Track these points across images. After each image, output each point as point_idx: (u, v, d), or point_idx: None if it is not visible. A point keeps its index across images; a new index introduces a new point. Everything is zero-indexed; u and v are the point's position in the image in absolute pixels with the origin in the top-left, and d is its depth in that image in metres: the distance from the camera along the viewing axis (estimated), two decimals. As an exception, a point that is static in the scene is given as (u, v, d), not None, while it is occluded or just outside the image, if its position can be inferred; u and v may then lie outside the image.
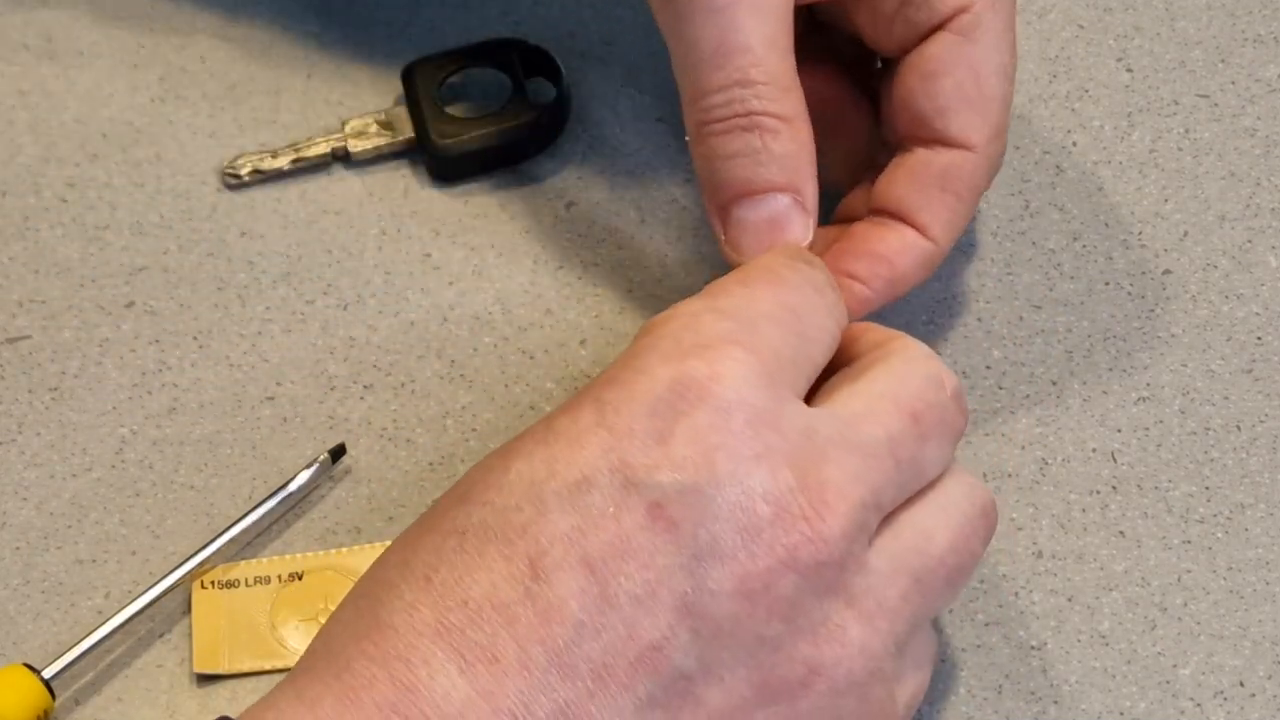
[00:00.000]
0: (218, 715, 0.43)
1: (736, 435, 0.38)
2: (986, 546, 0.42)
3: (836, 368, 0.43)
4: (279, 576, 0.47)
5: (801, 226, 0.45)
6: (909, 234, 0.47)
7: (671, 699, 0.37)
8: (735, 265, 0.44)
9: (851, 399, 0.40)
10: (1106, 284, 0.53)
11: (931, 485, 0.41)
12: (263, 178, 0.55)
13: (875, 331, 0.44)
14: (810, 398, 0.41)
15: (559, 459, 0.38)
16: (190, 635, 0.47)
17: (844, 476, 0.38)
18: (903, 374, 0.41)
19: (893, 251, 0.47)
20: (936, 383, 0.41)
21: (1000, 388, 0.51)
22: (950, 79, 0.46)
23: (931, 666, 0.42)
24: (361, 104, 0.56)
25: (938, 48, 0.46)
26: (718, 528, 0.37)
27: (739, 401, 0.38)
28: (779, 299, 0.41)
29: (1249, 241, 0.53)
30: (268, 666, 0.46)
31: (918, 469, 0.40)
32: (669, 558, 0.37)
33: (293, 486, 0.48)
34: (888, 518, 0.40)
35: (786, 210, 0.45)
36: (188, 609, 0.47)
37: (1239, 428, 0.50)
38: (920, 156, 0.46)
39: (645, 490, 0.37)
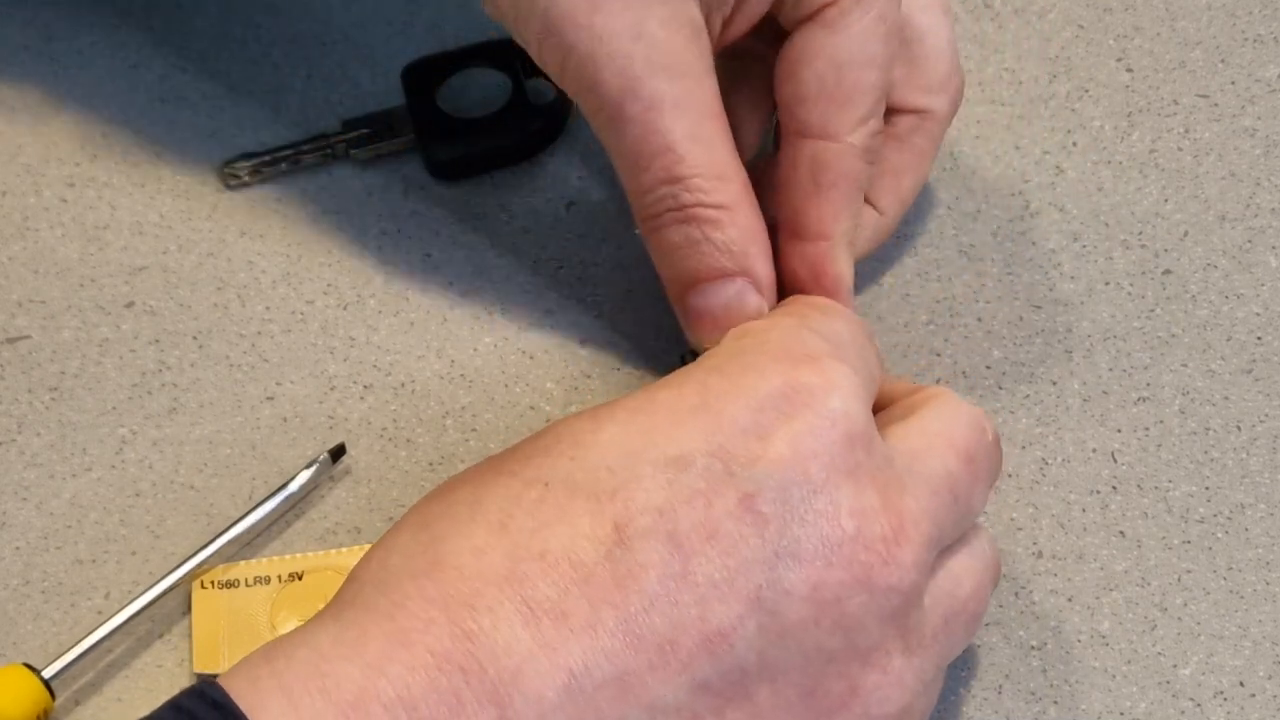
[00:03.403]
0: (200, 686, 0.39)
1: (833, 447, 0.38)
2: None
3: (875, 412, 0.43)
4: (279, 576, 0.47)
5: (755, 308, 0.45)
6: (807, 247, 0.46)
7: (725, 688, 0.37)
8: (702, 350, 0.45)
9: (908, 436, 0.41)
10: (1106, 284, 0.53)
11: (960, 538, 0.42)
12: (263, 178, 0.55)
13: (906, 383, 0.45)
14: None
15: (658, 431, 0.39)
16: (190, 635, 0.47)
17: (919, 509, 0.39)
18: (951, 417, 0.42)
19: (808, 275, 0.46)
20: (981, 427, 0.42)
21: (1000, 388, 0.51)
22: (810, 69, 0.45)
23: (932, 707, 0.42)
24: (361, 104, 0.56)
25: (801, 39, 0.45)
26: (802, 531, 0.38)
27: (844, 415, 0.39)
28: (853, 334, 0.43)
29: (1249, 241, 0.53)
30: (268, 666, 0.46)
31: (970, 509, 0.41)
32: (752, 549, 0.37)
33: (293, 486, 0.48)
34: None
35: (739, 294, 0.45)
36: (187, 609, 0.47)
37: (1239, 428, 0.50)
38: (789, 150, 0.46)
39: (741, 481, 0.38)
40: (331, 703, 0.35)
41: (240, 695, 0.35)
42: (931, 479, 0.40)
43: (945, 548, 0.41)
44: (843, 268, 0.47)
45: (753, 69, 0.49)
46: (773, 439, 0.38)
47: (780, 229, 0.47)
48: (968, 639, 0.42)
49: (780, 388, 0.39)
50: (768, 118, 0.51)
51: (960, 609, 0.41)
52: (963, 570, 0.41)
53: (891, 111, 0.49)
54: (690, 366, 0.41)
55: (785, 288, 0.47)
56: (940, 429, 0.41)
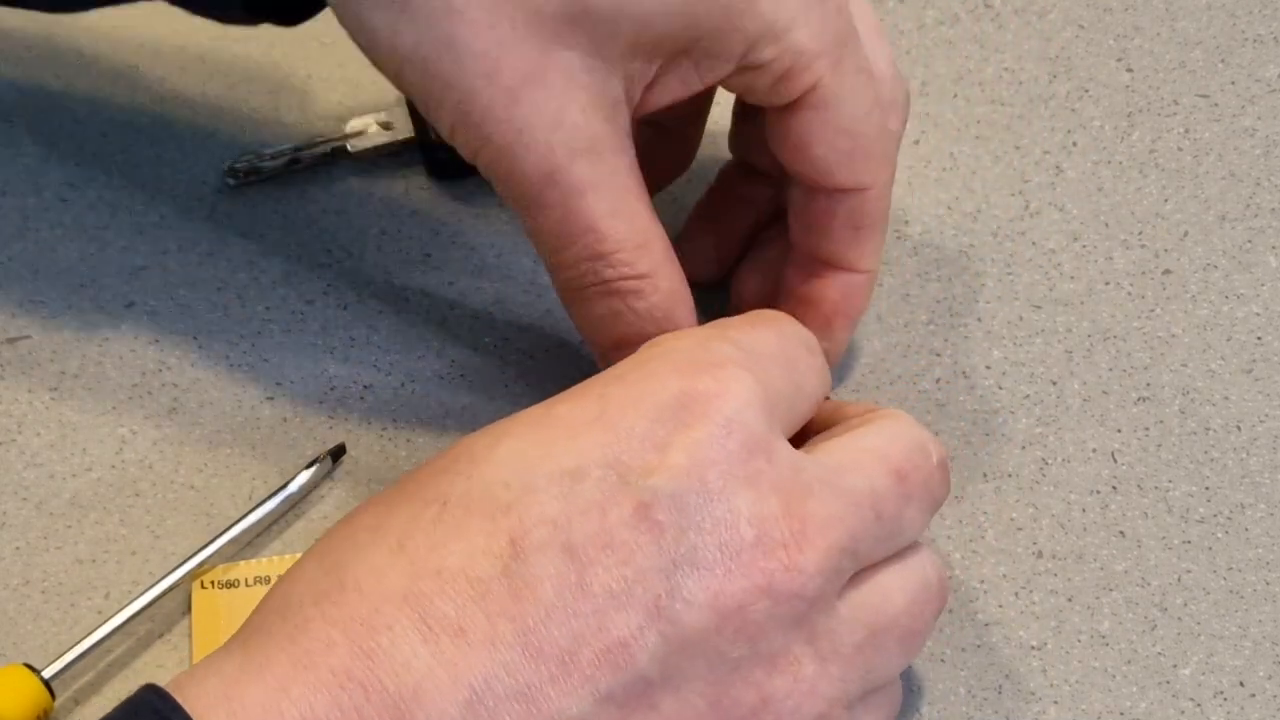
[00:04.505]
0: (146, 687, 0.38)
1: (731, 455, 0.38)
2: (936, 621, 0.42)
3: (818, 431, 0.43)
4: (279, 576, 0.47)
5: None
6: (843, 277, 0.47)
7: (629, 699, 0.37)
8: None
9: (837, 450, 0.41)
10: (1106, 284, 0.53)
11: (900, 550, 0.41)
12: (263, 178, 0.55)
13: (862, 405, 0.44)
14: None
15: (555, 444, 0.39)
16: (190, 635, 0.47)
17: (826, 515, 0.39)
18: (890, 435, 0.42)
19: (842, 300, 0.47)
20: (923, 449, 0.42)
21: (1000, 388, 0.51)
22: (822, 147, 0.45)
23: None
24: (361, 104, 0.56)
25: (800, 125, 0.45)
26: (700, 540, 0.37)
27: (739, 423, 0.39)
28: (781, 346, 0.42)
29: (1249, 241, 0.53)
30: (268, 666, 0.46)
31: (898, 528, 0.41)
32: (649, 559, 0.37)
33: (293, 487, 0.48)
34: (858, 573, 0.40)
35: None
36: (188, 609, 0.47)
37: (1239, 428, 0.50)
38: (822, 204, 0.46)
39: (636, 490, 0.38)
40: None
41: None
42: (851, 491, 0.39)
43: (874, 564, 0.40)
44: (867, 304, 0.48)
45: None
46: (670, 449, 0.38)
47: (811, 259, 0.47)
48: (906, 657, 0.41)
49: (676, 396, 0.39)
50: (699, 133, 0.52)
51: (890, 624, 0.40)
52: (893, 586, 0.40)
53: None
54: (593, 379, 0.41)
55: (808, 307, 0.48)
56: (873, 445, 0.41)
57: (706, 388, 0.39)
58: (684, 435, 0.38)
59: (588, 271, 0.44)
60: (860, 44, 0.45)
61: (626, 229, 0.44)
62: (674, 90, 0.44)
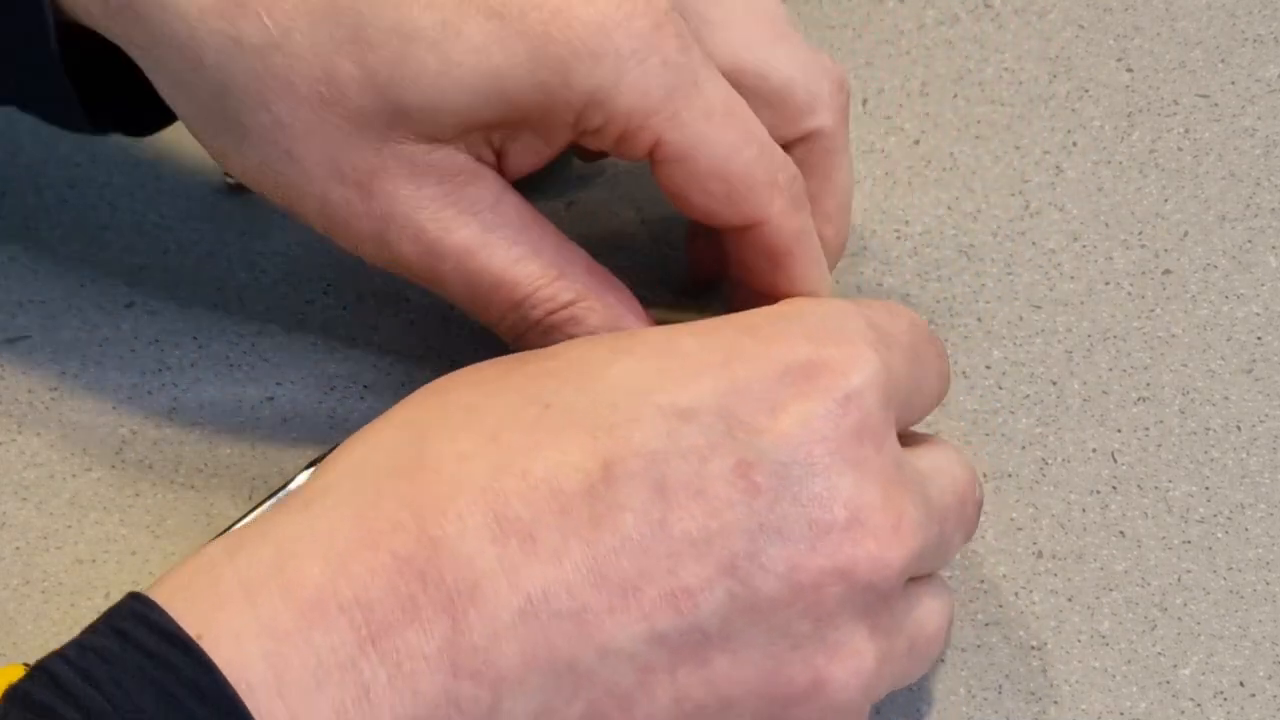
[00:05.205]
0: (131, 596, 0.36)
1: (843, 434, 0.38)
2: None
3: None
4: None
5: None
6: None
7: (682, 647, 0.37)
8: None
9: (920, 459, 0.41)
10: (1106, 284, 0.53)
11: (931, 577, 0.42)
12: (263, 178, 0.55)
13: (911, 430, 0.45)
14: None
15: (671, 379, 0.38)
16: (190, 635, 0.47)
17: (917, 517, 0.39)
18: (955, 462, 0.42)
19: None
20: (976, 481, 0.42)
21: (1000, 388, 0.51)
22: (694, 194, 0.43)
23: None
24: (361, 104, 0.56)
25: (666, 177, 0.43)
26: (793, 510, 0.37)
27: (857, 404, 0.39)
28: (912, 339, 0.42)
29: (1249, 241, 0.53)
30: (268, 666, 0.46)
31: (944, 549, 0.41)
32: (737, 516, 0.37)
33: (293, 486, 0.48)
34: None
35: None
36: (188, 609, 0.47)
37: (1239, 428, 0.50)
38: (733, 242, 0.45)
39: (741, 446, 0.38)
40: (291, 602, 0.35)
41: (198, 593, 0.35)
42: (934, 503, 0.40)
43: (916, 578, 0.41)
44: None
45: None
46: (784, 414, 0.38)
47: (762, 295, 0.46)
48: (918, 675, 0.41)
49: (803, 364, 0.39)
50: None
51: (925, 642, 0.41)
52: (933, 607, 0.41)
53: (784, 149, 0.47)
54: (723, 320, 0.41)
55: None
56: (944, 467, 0.42)
57: (834, 360, 0.39)
58: (801, 404, 0.38)
59: (516, 320, 0.44)
60: (706, 85, 0.42)
61: (535, 267, 0.43)
62: (527, 159, 0.43)
